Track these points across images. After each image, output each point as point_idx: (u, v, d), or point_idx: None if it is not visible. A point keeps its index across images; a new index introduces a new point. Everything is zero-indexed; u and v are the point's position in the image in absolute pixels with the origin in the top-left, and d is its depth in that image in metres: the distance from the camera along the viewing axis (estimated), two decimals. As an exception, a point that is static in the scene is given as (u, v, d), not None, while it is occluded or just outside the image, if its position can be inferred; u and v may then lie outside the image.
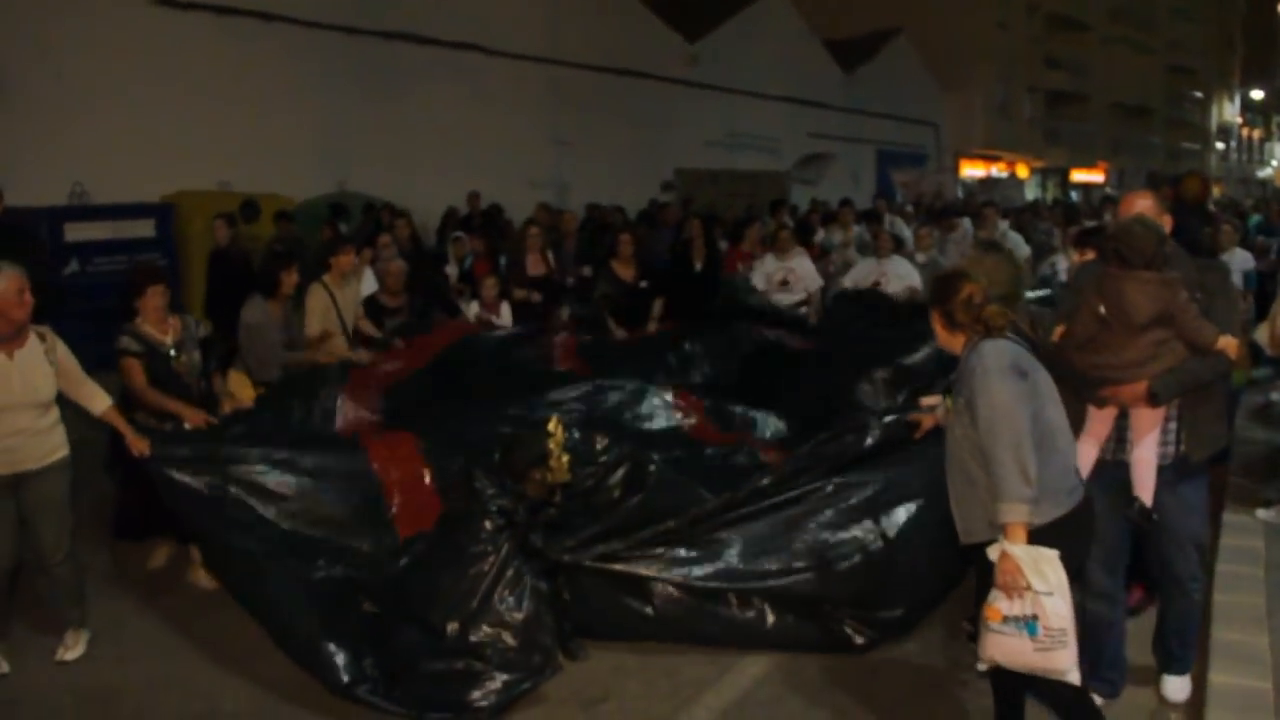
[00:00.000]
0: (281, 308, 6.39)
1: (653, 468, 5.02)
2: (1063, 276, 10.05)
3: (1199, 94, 49.04)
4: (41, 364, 4.51)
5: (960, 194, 22.24)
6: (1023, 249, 11.24)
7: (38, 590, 4.89)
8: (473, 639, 4.33)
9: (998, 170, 34.79)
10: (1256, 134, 56.00)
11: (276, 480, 4.94)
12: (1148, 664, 4.28)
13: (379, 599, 4.62)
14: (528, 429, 5.17)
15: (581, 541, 4.78)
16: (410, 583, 4.63)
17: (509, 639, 4.34)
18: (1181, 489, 3.87)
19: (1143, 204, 3.99)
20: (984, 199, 18.17)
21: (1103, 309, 3.70)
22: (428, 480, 5.21)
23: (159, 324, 5.36)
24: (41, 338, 4.55)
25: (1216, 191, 29.77)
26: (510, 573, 4.46)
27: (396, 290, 7.48)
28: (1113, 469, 3.90)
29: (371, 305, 7.55)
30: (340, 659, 4.25)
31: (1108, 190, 26.53)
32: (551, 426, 4.97)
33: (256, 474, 4.91)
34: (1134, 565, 4.19)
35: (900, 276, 9.24)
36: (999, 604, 3.27)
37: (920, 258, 10.43)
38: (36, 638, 4.82)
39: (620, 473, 4.98)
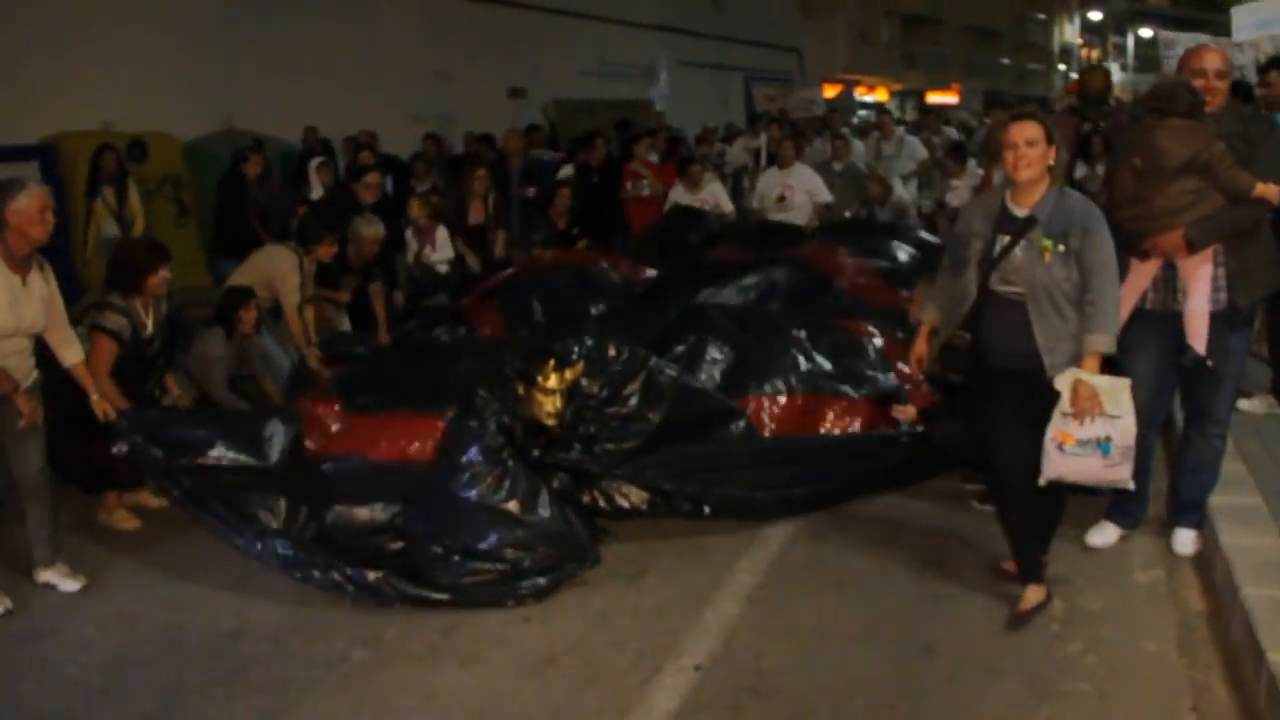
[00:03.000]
0: (238, 345, 6.06)
1: (667, 377, 5.04)
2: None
3: (1042, 16, 50.83)
4: (42, 292, 4.36)
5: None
6: (921, 152, 11.64)
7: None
8: (505, 553, 4.35)
9: (858, 94, 35.44)
10: (1095, 54, 58.47)
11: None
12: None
13: (397, 526, 4.56)
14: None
15: (612, 456, 4.86)
16: (421, 506, 4.58)
17: (541, 547, 4.39)
18: (1226, 333, 4.09)
19: (1211, 57, 4.20)
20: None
21: (1138, 161, 3.91)
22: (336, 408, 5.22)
23: (147, 305, 5.11)
24: (40, 266, 4.37)
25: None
26: (524, 485, 4.49)
27: (367, 256, 7.26)
28: (1162, 319, 4.12)
29: (324, 269, 7.12)
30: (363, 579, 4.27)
31: (965, 116, 27.31)
32: (548, 367, 4.96)
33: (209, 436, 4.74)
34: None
35: (806, 186, 9.44)
36: (1071, 429, 3.60)
37: (837, 166, 10.64)
38: (23, 581, 4.58)
39: (636, 384, 4.99)
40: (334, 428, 5.09)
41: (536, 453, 4.84)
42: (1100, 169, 9.36)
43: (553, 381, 4.86)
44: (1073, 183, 7.79)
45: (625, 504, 4.87)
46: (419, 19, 18.38)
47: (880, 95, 36.99)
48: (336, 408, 5.18)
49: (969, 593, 4.22)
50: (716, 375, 5.37)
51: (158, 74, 13.06)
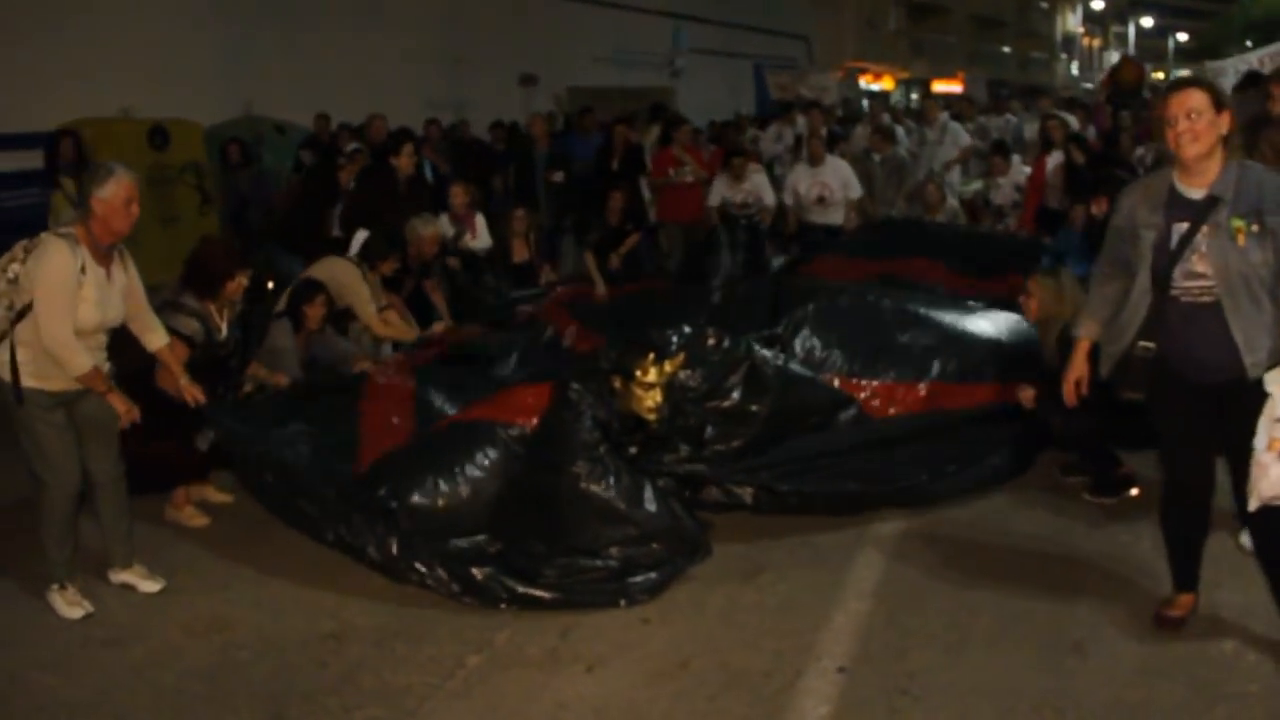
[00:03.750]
0: (305, 339, 5.85)
1: (771, 367, 4.82)
2: None
3: (1045, 4, 50.66)
4: (122, 283, 4.12)
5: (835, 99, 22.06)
6: (965, 138, 11.38)
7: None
8: (613, 550, 4.15)
9: (865, 82, 35.19)
10: (1096, 43, 58.39)
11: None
12: None
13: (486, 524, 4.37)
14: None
15: (721, 458, 4.63)
16: (516, 504, 4.37)
17: (651, 542, 4.18)
18: None
19: None
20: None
21: None
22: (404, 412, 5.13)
23: (221, 308, 4.91)
24: (120, 255, 4.15)
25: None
26: (627, 480, 4.25)
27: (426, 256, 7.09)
28: None
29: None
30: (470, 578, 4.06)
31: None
32: (649, 360, 4.70)
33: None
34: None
35: (841, 181, 9.18)
36: None
37: (877, 157, 10.38)
38: (97, 583, 4.35)
39: (738, 375, 4.76)
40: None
41: (634, 450, 4.62)
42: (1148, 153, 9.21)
43: (652, 375, 4.61)
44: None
45: (727, 499, 4.65)
46: (432, 4, 18.13)
47: (886, 84, 36.71)
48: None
49: (1102, 590, 4.02)
50: (830, 358, 5.14)
51: (177, 59, 12.83)
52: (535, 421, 4.55)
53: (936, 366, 5.31)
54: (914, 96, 38.23)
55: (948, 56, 40.03)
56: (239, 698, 3.51)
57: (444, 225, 8.17)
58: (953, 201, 9.39)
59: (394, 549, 4.13)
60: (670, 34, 26.31)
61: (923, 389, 5.27)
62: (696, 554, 4.23)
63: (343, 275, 6.13)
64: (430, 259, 7.13)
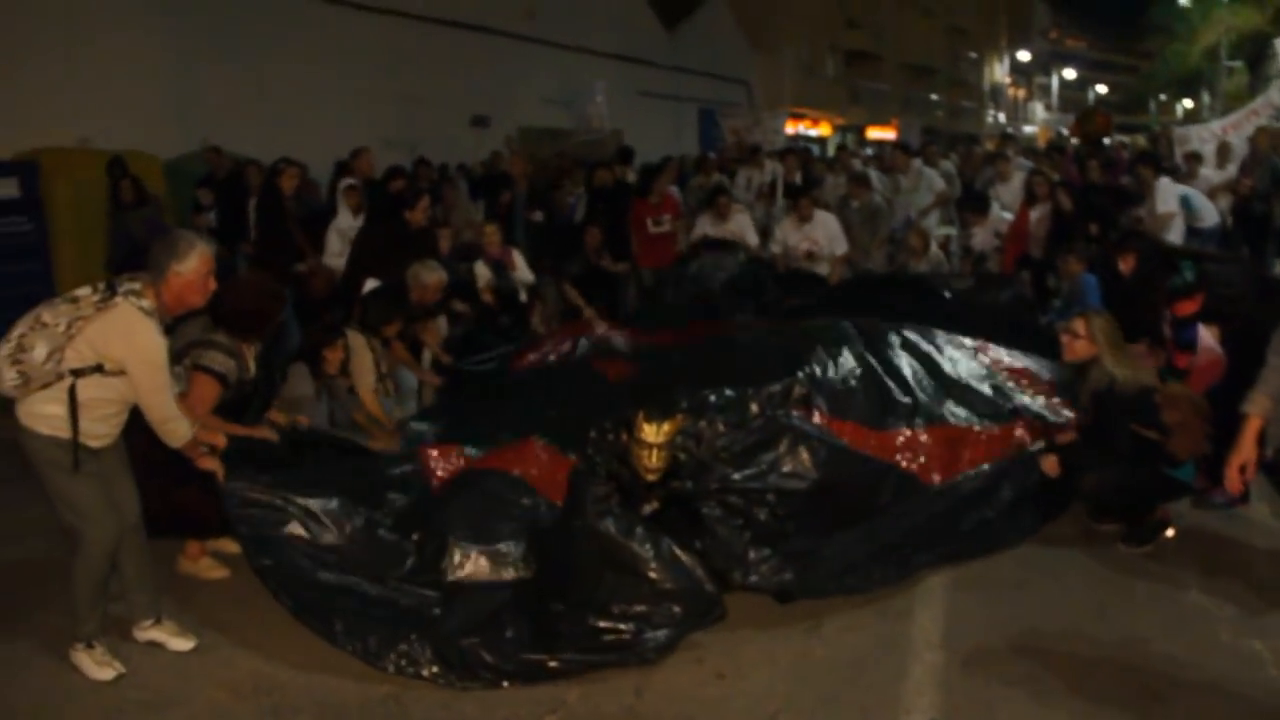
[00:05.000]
0: (323, 384, 5.68)
1: (815, 438, 4.74)
2: None
3: (974, 55, 52.13)
4: None
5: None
6: (939, 183, 11.51)
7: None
8: (630, 609, 3.98)
9: (805, 127, 35.72)
10: (1022, 94, 60.29)
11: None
12: None
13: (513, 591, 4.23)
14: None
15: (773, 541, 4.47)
16: (542, 557, 4.28)
17: (665, 603, 3.99)
18: None
19: None
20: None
21: None
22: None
23: (250, 346, 4.72)
24: None
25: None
26: (640, 536, 4.07)
27: (430, 302, 6.89)
28: None
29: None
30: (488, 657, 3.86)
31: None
32: (641, 418, 4.48)
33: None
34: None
35: (831, 236, 9.28)
36: None
37: (855, 204, 10.39)
38: (123, 643, 4.11)
39: (782, 447, 4.64)
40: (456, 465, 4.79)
41: (651, 507, 4.47)
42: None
43: (647, 434, 4.40)
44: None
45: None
46: (382, 41, 18.05)
47: (824, 129, 37.30)
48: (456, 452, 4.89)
49: (1161, 636, 4.02)
50: (851, 406, 5.09)
51: (136, 92, 12.59)
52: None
53: (953, 410, 5.33)
54: (839, 143, 39.13)
55: (882, 103, 40.86)
56: (307, 765, 3.33)
57: (480, 270, 8.06)
58: (936, 250, 9.45)
59: (373, 645, 3.91)
60: (617, 76, 26.43)
61: (944, 434, 5.23)
62: (710, 614, 4.04)
63: (350, 343, 5.92)
64: (431, 305, 6.96)
